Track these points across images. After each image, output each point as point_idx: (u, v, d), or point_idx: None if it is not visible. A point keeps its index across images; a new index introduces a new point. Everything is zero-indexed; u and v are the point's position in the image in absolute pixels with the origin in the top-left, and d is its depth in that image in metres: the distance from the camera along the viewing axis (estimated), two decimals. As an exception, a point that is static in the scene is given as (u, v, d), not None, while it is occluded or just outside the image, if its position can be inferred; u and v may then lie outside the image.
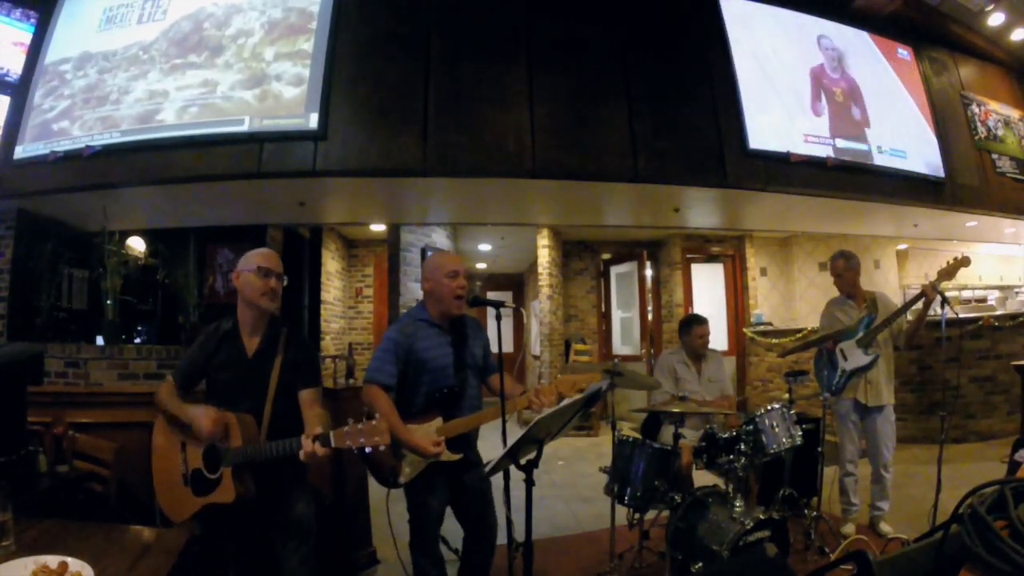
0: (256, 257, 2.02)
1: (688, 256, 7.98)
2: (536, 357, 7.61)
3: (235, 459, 1.82)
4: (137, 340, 5.58)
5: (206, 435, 1.82)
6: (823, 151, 4.75)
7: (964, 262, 3.09)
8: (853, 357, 3.25)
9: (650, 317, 8.07)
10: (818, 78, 5.01)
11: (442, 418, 2.14)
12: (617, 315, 8.56)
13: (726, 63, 4.65)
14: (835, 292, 3.50)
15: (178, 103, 4.18)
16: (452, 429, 2.12)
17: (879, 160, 5.00)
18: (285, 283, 2.05)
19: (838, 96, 5.05)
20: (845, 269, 3.39)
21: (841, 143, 4.87)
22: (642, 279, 8.01)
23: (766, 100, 4.70)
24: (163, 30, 4.41)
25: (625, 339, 8.47)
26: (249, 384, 1.95)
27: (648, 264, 8.07)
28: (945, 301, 2.98)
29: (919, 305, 3.08)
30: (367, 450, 1.70)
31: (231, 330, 2.03)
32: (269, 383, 1.94)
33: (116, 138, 4.17)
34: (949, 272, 3.04)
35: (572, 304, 8.39)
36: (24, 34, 4.63)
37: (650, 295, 8.17)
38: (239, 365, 1.98)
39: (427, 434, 2.09)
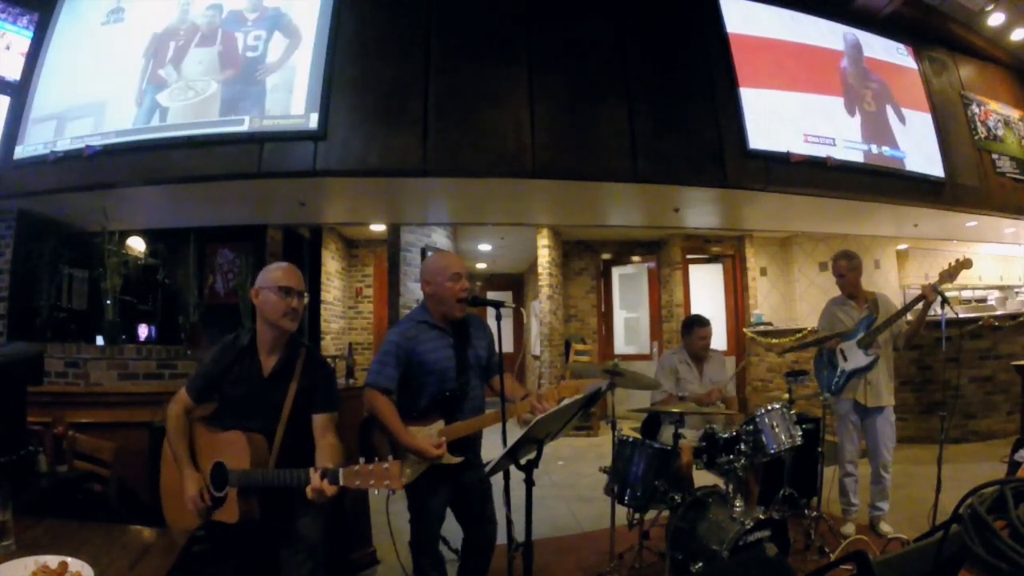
0: (277, 274, 1.93)
1: (688, 256, 7.98)
2: (536, 357, 7.60)
3: (241, 482, 1.78)
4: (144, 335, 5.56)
5: (185, 501, 1.82)
6: (823, 151, 4.75)
7: (966, 264, 3.07)
8: (853, 358, 3.25)
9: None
10: (817, 77, 5.01)
11: (443, 421, 2.14)
12: (620, 315, 8.57)
13: (726, 63, 4.65)
14: (835, 291, 3.49)
15: (177, 102, 4.17)
16: (453, 432, 2.11)
17: (879, 160, 4.99)
18: (306, 300, 1.97)
19: (837, 96, 5.05)
20: (848, 269, 3.38)
21: (841, 143, 4.87)
22: (652, 280, 8.03)
23: (766, 99, 4.69)
24: (163, 29, 4.41)
25: (630, 339, 8.48)
26: (262, 404, 1.89)
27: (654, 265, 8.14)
28: (945, 301, 2.98)
29: (919, 307, 3.08)
30: (371, 485, 1.66)
31: (248, 346, 1.96)
32: (283, 406, 1.88)
33: (116, 138, 4.16)
34: (951, 274, 3.03)
35: (572, 304, 8.38)
36: (23, 40, 4.63)
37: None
38: (254, 383, 1.92)
39: (428, 436, 2.09)
